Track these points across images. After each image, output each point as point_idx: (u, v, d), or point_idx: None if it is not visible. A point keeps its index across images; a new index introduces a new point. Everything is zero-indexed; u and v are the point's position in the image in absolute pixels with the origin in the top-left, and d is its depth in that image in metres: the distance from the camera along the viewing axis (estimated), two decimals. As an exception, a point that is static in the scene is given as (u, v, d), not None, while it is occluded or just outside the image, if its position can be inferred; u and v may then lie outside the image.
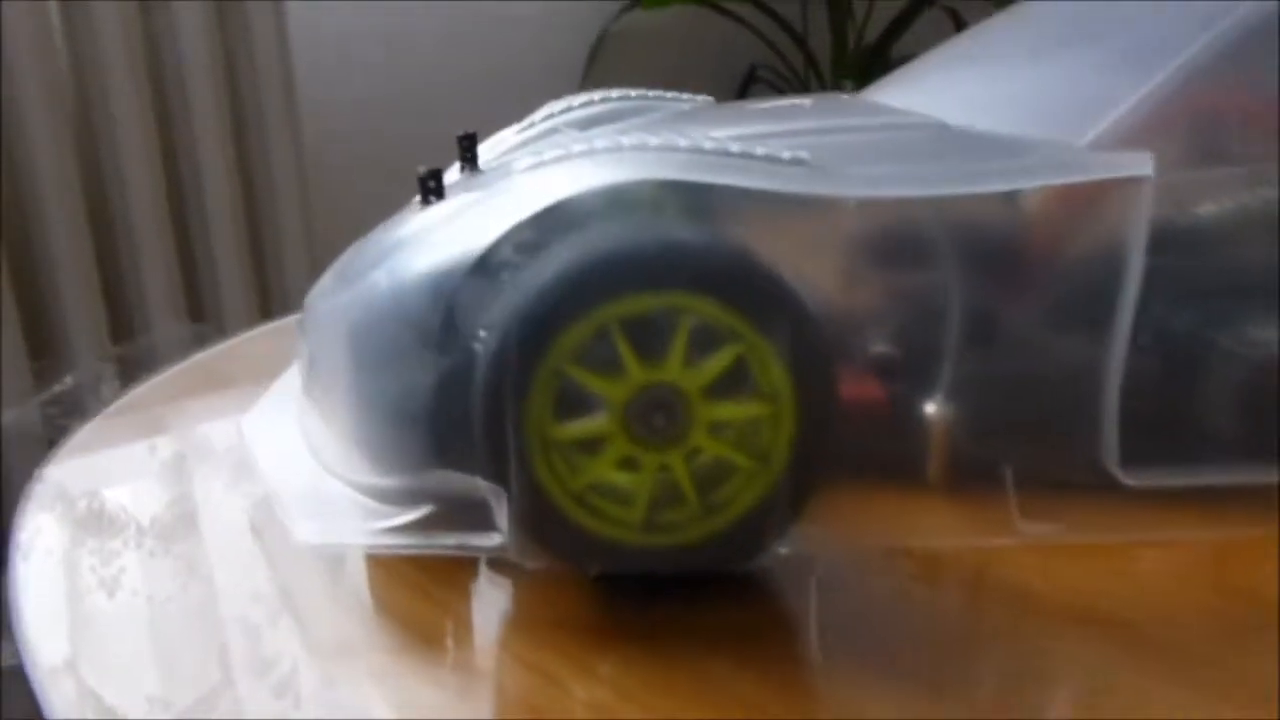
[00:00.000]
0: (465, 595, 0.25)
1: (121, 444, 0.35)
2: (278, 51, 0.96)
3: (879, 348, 0.26)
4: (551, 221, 0.21)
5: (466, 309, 0.21)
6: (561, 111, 0.35)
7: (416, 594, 0.24)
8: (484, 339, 0.21)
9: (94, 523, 0.28)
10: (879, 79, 0.33)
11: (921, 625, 0.23)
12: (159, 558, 0.26)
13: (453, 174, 0.30)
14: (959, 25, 1.31)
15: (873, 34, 1.37)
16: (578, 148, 0.23)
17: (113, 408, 0.38)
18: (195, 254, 0.96)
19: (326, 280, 0.26)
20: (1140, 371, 0.24)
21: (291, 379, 0.28)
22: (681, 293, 0.21)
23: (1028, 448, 0.24)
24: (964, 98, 0.28)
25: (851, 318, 0.26)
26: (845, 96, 0.32)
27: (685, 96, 0.38)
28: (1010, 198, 0.24)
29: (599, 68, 1.32)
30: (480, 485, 0.22)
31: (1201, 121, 0.24)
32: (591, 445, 0.22)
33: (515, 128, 0.36)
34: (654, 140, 0.22)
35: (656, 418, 0.22)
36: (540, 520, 0.22)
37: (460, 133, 0.32)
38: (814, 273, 0.24)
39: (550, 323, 0.21)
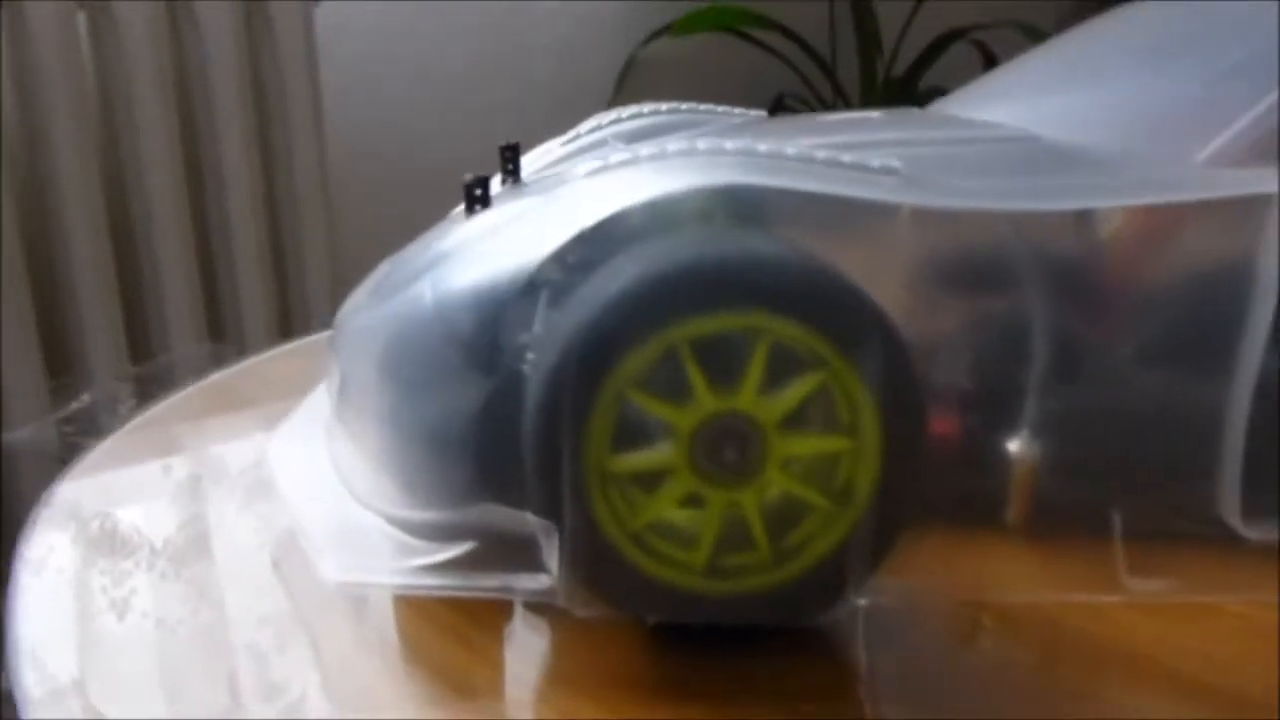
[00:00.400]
0: (501, 641, 0.22)
1: (136, 463, 0.33)
2: (305, 71, 0.95)
3: (959, 379, 0.24)
4: (615, 232, 0.19)
5: (517, 327, 0.19)
6: (610, 123, 0.34)
7: (449, 637, 0.22)
8: (537, 360, 0.19)
9: (106, 543, 0.27)
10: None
11: (996, 685, 0.21)
12: (170, 580, 0.25)
13: (494, 187, 0.28)
14: (988, 57, 1.30)
15: (902, 65, 1.35)
16: (645, 151, 0.21)
17: (128, 426, 0.37)
18: (217, 273, 0.95)
19: (360, 295, 0.24)
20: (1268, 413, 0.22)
21: (319, 401, 0.26)
22: (760, 312, 0.19)
23: (1131, 494, 0.22)
24: (1058, 110, 0.25)
25: (929, 345, 0.23)
26: (917, 111, 0.30)
27: (737, 111, 0.36)
28: (1110, 218, 0.21)
29: (626, 93, 1.31)
30: (529, 521, 0.19)
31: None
32: (653, 480, 0.20)
33: (560, 139, 0.34)
34: (730, 145, 0.20)
35: (727, 450, 0.19)
36: (595, 561, 0.20)
37: (503, 143, 0.30)
38: (888, 296, 0.22)
39: (614, 342, 0.19)
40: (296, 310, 0.99)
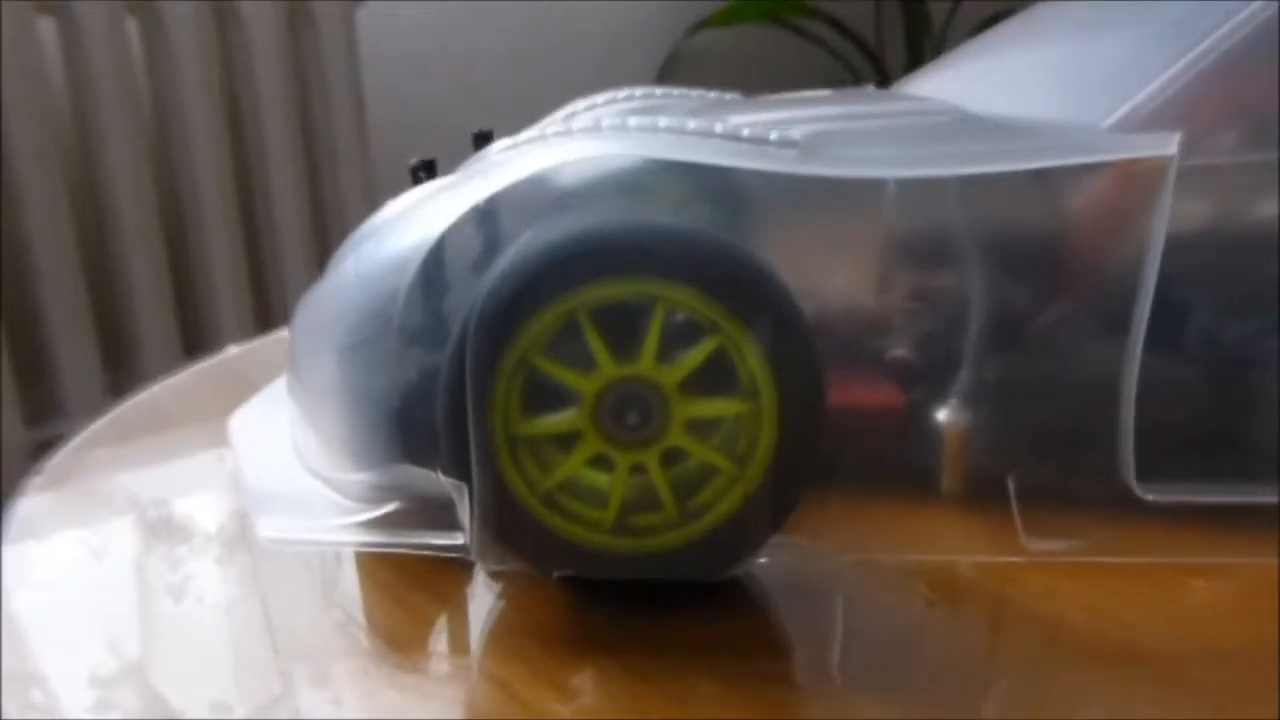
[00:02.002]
0: (442, 601, 0.23)
1: (191, 454, 0.34)
2: (347, 70, 0.98)
3: (896, 351, 0.25)
4: (512, 203, 0.20)
5: (429, 296, 0.20)
6: (585, 109, 0.35)
7: (393, 600, 0.23)
8: (448, 328, 0.20)
9: (163, 529, 0.28)
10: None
11: (929, 650, 0.21)
12: (224, 565, 0.26)
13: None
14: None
15: (949, 50, 1.34)
16: (553, 129, 0.21)
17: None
18: (265, 268, 0.98)
19: (315, 287, 0.25)
20: (1176, 380, 0.22)
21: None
22: (656, 280, 0.20)
23: (1040, 459, 0.22)
24: (990, 84, 0.26)
25: (864, 318, 0.24)
26: (872, 88, 0.31)
27: (712, 94, 0.36)
28: (1032, 187, 0.22)
29: (670, 82, 1.32)
30: (442, 482, 0.21)
31: (1238, 106, 0.22)
32: (563, 442, 0.21)
33: (539, 125, 0.35)
34: (635, 120, 0.21)
35: (630, 414, 0.20)
36: (505, 520, 0.21)
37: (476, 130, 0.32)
38: (827, 269, 0.23)
39: (516, 310, 0.20)
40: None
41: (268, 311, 0.98)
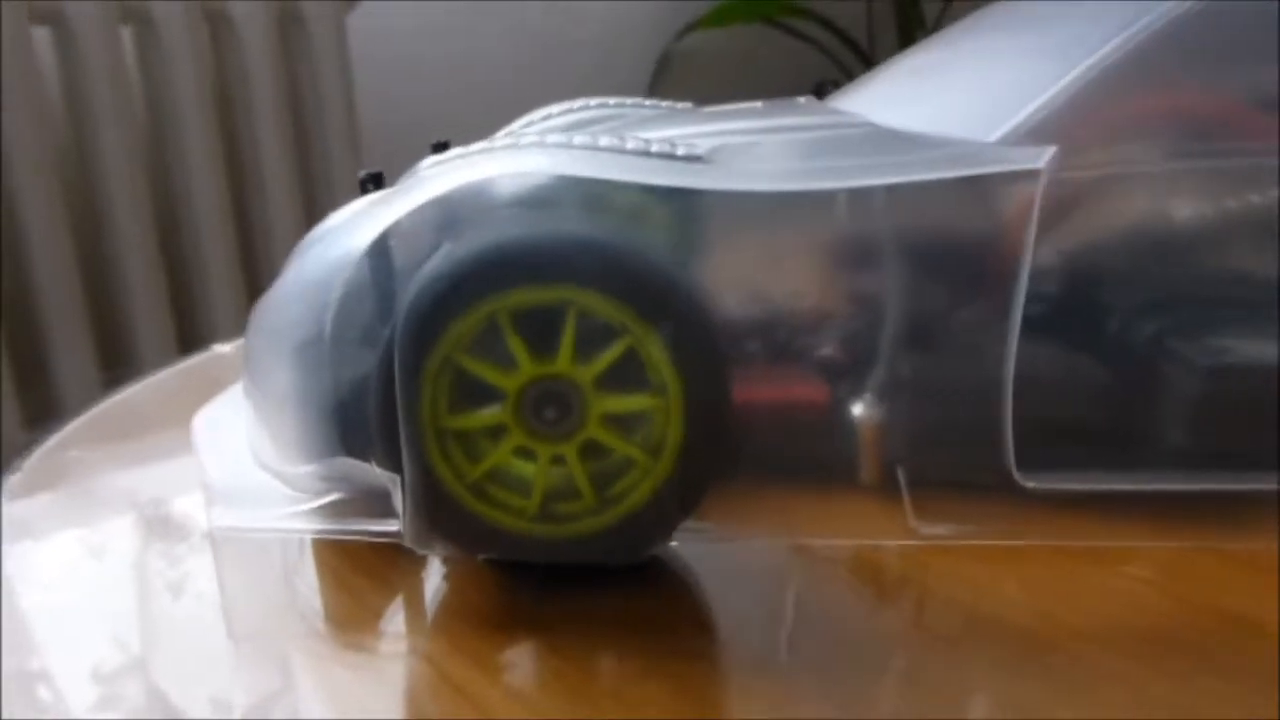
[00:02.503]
0: (385, 586, 0.25)
1: (186, 452, 0.35)
2: (339, 74, 1.00)
3: (823, 349, 0.26)
4: (441, 212, 0.22)
5: (359, 302, 0.22)
6: (541, 119, 0.36)
7: (340, 585, 0.25)
8: (379, 331, 0.22)
9: (161, 527, 0.29)
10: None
11: (845, 638, 0.22)
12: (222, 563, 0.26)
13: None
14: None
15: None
16: (476, 146, 0.23)
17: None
18: (259, 270, 1.00)
19: (270, 290, 0.27)
20: (1064, 373, 0.23)
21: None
22: (568, 286, 0.21)
23: (936, 449, 0.24)
24: (904, 99, 0.27)
25: (794, 316, 0.25)
26: (802, 100, 0.32)
27: (664, 104, 0.38)
28: (923, 196, 0.23)
29: (662, 89, 1.33)
30: (377, 473, 0.22)
31: (1123, 119, 0.23)
32: (488, 435, 0.22)
33: (499, 134, 0.37)
34: (553, 138, 0.23)
35: (548, 410, 0.22)
36: (434, 508, 0.22)
37: (434, 140, 0.33)
38: (745, 272, 0.24)
39: (439, 313, 0.21)
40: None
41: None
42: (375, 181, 0.27)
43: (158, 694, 0.22)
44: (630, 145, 0.22)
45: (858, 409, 0.25)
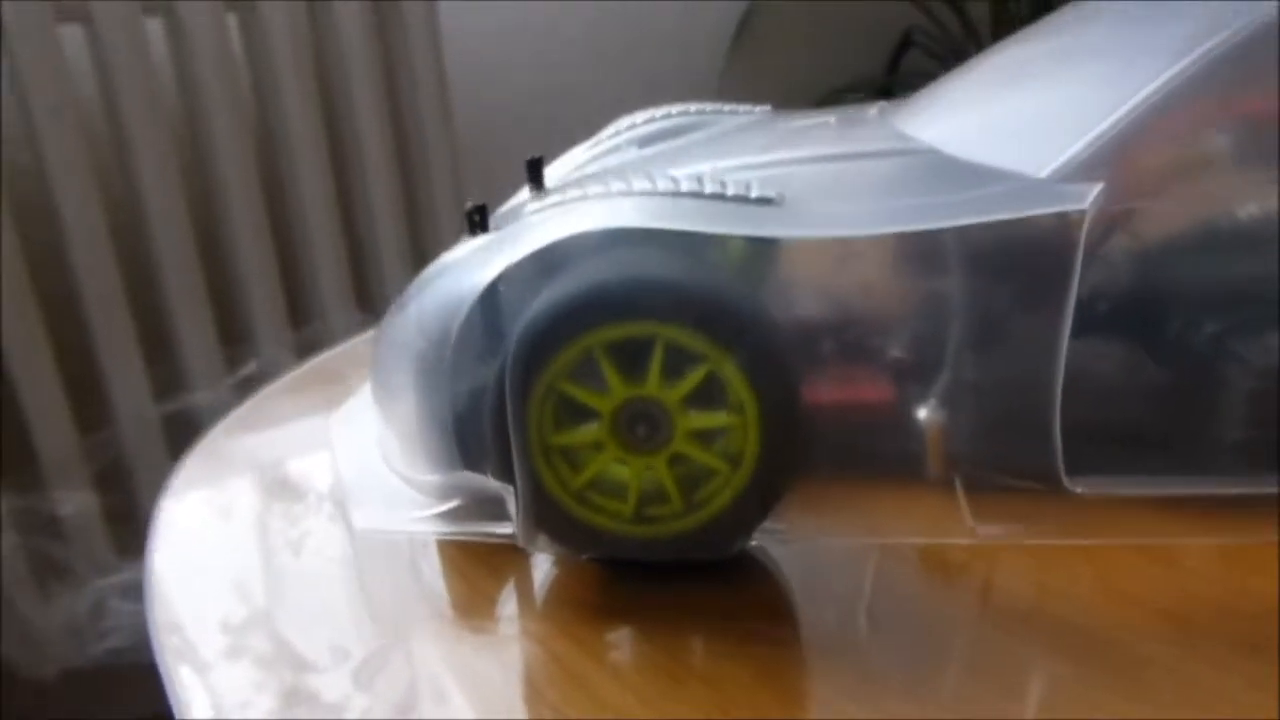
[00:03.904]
0: (495, 575, 0.28)
1: (303, 417, 0.39)
2: (432, 56, 1.04)
3: (886, 352, 0.28)
4: (544, 259, 0.25)
5: (474, 337, 0.25)
6: (627, 128, 0.39)
7: (458, 574, 0.28)
8: (493, 360, 0.25)
9: (281, 489, 0.32)
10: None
11: (918, 631, 0.25)
12: (337, 522, 0.30)
13: (523, 195, 0.34)
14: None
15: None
16: (572, 193, 0.26)
17: (283, 381, 0.44)
18: (362, 248, 1.05)
19: (394, 307, 0.30)
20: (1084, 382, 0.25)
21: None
22: (653, 321, 0.24)
23: (992, 451, 0.26)
24: (967, 123, 0.29)
25: (864, 321, 0.28)
26: (873, 112, 0.34)
27: (743, 109, 0.40)
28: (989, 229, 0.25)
29: (747, 38, 1.34)
30: (493, 484, 0.26)
31: (1176, 148, 0.25)
32: (588, 449, 0.25)
33: (586, 144, 0.40)
34: (638, 184, 0.26)
35: (640, 427, 0.25)
36: (542, 513, 0.26)
37: (529, 157, 0.36)
38: (816, 284, 0.27)
39: (544, 347, 0.24)
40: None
41: (365, 288, 1.06)
42: (480, 213, 0.30)
43: (283, 642, 0.25)
44: (709, 189, 0.25)
45: (922, 410, 0.28)
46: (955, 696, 0.22)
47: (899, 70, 1.46)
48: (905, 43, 1.45)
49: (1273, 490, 0.26)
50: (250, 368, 0.97)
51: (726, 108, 0.40)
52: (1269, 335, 0.26)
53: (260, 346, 1.01)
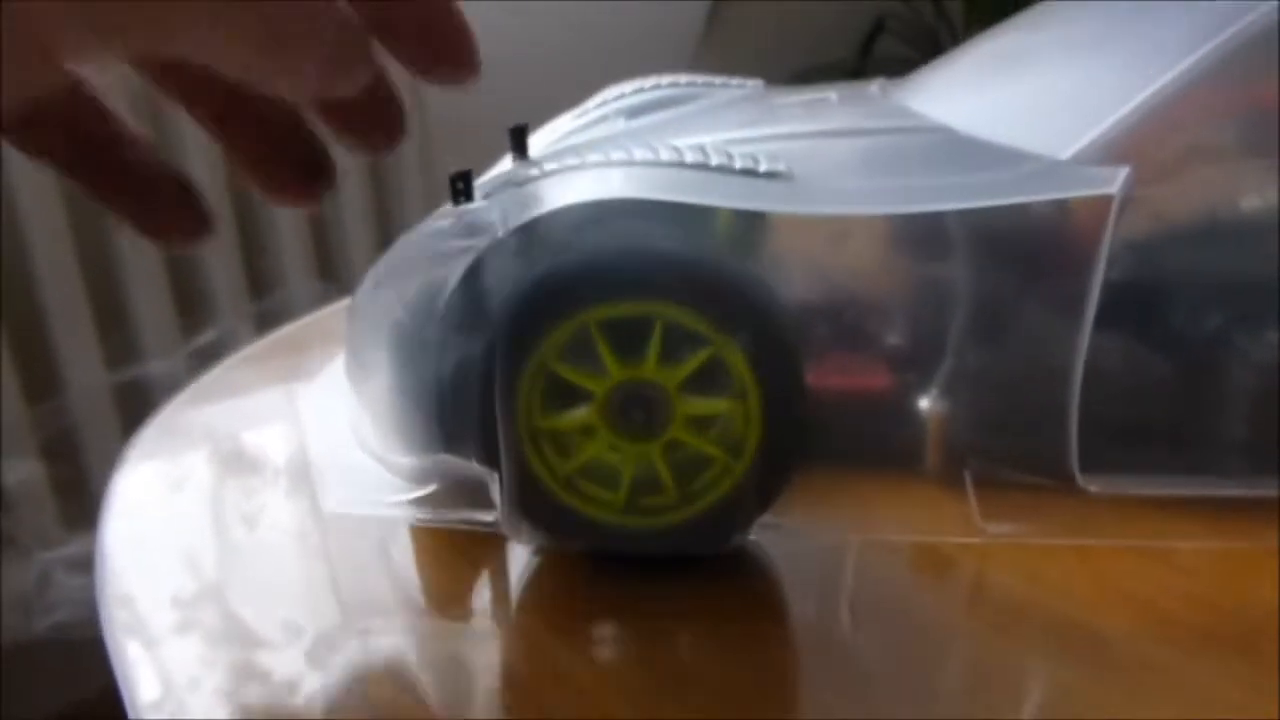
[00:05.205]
0: (471, 564, 0.27)
1: (261, 389, 0.37)
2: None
3: (889, 337, 0.27)
4: (541, 229, 0.23)
5: (464, 310, 0.24)
6: (615, 99, 0.37)
7: (435, 561, 0.27)
8: (480, 336, 0.23)
9: (237, 462, 0.31)
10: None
11: (908, 627, 0.24)
12: (294, 496, 0.29)
13: (505, 164, 0.32)
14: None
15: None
16: (570, 161, 0.24)
17: (248, 354, 0.41)
18: (325, 216, 1.02)
19: (369, 279, 0.28)
20: (1132, 376, 0.24)
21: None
22: (654, 300, 0.23)
23: (1001, 448, 0.25)
24: (979, 102, 0.28)
25: (862, 307, 0.26)
26: (874, 89, 0.33)
27: (734, 82, 0.39)
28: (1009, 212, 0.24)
29: (719, 22, 1.32)
30: (477, 469, 0.24)
31: (1195, 132, 0.24)
32: (579, 433, 0.24)
33: (571, 114, 0.38)
34: (639, 153, 0.24)
35: (635, 412, 0.24)
36: (529, 500, 0.24)
37: (511, 124, 0.34)
38: (822, 260, 0.25)
39: (535, 324, 0.23)
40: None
41: (328, 259, 1.03)
42: (464, 180, 0.28)
43: (233, 618, 0.24)
44: (714, 160, 0.24)
45: (930, 401, 0.27)
46: (947, 693, 0.22)
47: (871, 55, 1.45)
48: (878, 28, 1.44)
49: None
50: (207, 337, 0.94)
51: (717, 80, 0.39)
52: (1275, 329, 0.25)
53: (218, 316, 0.98)
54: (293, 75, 0.20)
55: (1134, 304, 0.24)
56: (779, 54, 1.39)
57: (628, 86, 0.38)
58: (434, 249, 0.24)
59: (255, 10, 0.19)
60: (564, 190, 0.24)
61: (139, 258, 0.91)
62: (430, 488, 0.26)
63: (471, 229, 0.24)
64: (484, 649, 0.24)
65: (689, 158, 0.24)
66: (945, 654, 0.23)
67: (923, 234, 0.24)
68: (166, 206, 0.24)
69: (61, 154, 0.23)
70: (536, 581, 0.26)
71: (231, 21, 0.19)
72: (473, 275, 0.24)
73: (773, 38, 1.40)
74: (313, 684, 0.22)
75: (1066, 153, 0.24)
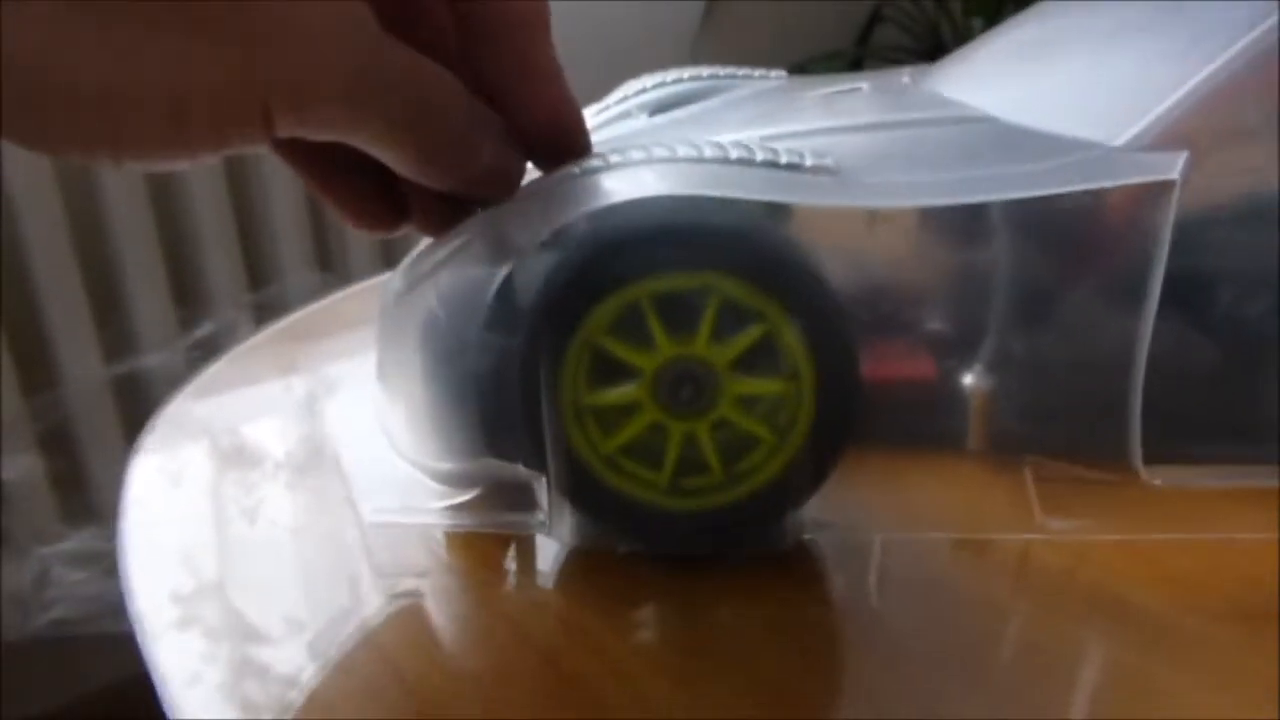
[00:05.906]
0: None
1: (259, 382, 0.37)
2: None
3: (933, 324, 0.27)
4: (586, 228, 0.23)
5: (507, 310, 0.23)
6: (636, 93, 0.36)
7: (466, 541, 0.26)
8: (524, 335, 0.23)
9: (236, 456, 0.30)
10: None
11: (952, 606, 0.23)
12: (295, 490, 0.28)
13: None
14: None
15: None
16: (615, 159, 0.24)
17: (248, 346, 0.41)
18: (323, 206, 1.01)
19: (398, 277, 0.27)
20: (1193, 365, 0.24)
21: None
22: (710, 273, 0.22)
23: (1059, 439, 0.25)
24: (1019, 90, 0.27)
25: (902, 292, 0.26)
26: (904, 79, 0.32)
27: (757, 73, 0.38)
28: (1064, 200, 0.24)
29: (717, 11, 1.31)
30: (521, 472, 0.24)
31: (1249, 118, 0.23)
32: (625, 410, 0.23)
33: (592, 109, 0.37)
34: (683, 150, 0.23)
35: (684, 389, 0.23)
36: (573, 480, 0.23)
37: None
38: (864, 249, 0.25)
39: (583, 295, 0.22)
40: (396, 243, 1.05)
41: (327, 249, 1.02)
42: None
43: (235, 614, 0.24)
44: (759, 157, 0.23)
45: (970, 380, 0.26)
46: (994, 669, 0.21)
47: (869, 44, 1.44)
48: (876, 16, 1.44)
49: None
50: (205, 330, 0.93)
51: (740, 72, 0.38)
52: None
53: (216, 308, 0.97)
54: (433, 182, 0.23)
55: (1188, 290, 0.23)
56: (777, 44, 1.39)
57: (649, 80, 0.37)
58: (477, 244, 0.24)
59: (420, 133, 0.21)
60: (610, 187, 0.23)
61: (136, 249, 0.90)
62: (472, 493, 0.25)
63: (517, 224, 0.23)
64: (521, 628, 0.23)
65: (733, 154, 0.23)
66: (991, 631, 0.22)
67: (975, 225, 0.23)
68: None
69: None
70: (575, 560, 0.25)
71: (395, 141, 0.21)
72: (524, 271, 0.23)
73: (771, 28, 1.40)
74: (313, 679, 0.22)
75: (1119, 139, 0.23)
